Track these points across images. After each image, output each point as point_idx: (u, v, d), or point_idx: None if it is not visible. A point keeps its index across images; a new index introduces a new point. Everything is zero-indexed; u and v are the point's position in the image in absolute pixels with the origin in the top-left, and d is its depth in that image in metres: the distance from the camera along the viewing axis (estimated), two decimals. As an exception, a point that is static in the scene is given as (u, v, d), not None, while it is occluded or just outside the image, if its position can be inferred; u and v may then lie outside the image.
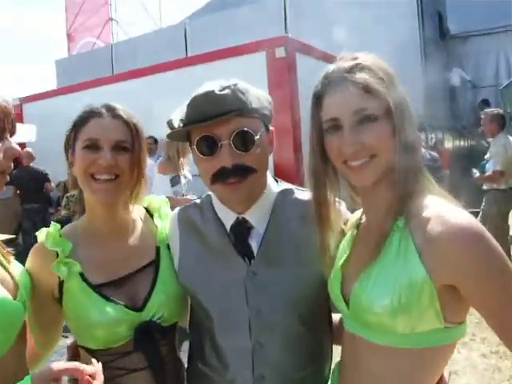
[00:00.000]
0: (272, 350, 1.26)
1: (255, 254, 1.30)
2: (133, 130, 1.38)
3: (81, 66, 12.79)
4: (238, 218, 1.32)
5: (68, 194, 8.58)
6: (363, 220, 1.26)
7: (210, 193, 1.40)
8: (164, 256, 1.43)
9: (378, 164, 1.10)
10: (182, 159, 4.93)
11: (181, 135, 1.31)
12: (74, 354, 1.39)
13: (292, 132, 5.24)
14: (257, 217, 1.32)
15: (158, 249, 1.44)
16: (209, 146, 1.22)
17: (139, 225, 1.49)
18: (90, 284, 1.34)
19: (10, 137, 1.17)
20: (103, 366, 1.13)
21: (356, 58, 1.13)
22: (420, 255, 1.01)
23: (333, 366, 1.34)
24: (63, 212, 7.97)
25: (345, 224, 1.31)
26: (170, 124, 1.30)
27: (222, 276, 1.32)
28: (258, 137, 1.23)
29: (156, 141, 6.53)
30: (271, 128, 1.35)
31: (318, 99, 1.16)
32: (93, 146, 1.33)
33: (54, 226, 1.41)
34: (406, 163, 1.08)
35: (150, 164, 6.63)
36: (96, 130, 1.35)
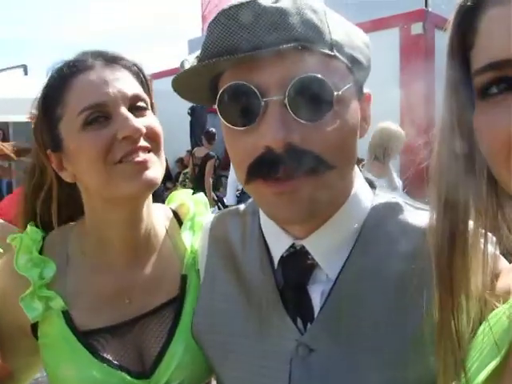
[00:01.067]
0: None
1: (315, 315, 0.77)
2: (143, 79, 0.97)
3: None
4: (293, 245, 0.79)
5: (185, 171, 8.76)
6: None
7: None
8: (192, 289, 0.97)
9: None
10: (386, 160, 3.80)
11: (197, 83, 0.73)
12: None
13: (425, 127, 4.64)
14: (327, 248, 0.77)
15: (183, 278, 0.99)
16: (244, 106, 0.67)
17: (162, 239, 1.03)
18: (75, 329, 0.91)
19: None
20: None
21: None
22: None
23: None
24: (179, 188, 8.15)
25: (491, 285, 0.67)
26: (182, 65, 0.82)
27: (256, 344, 0.81)
28: (339, 93, 0.67)
29: None
30: (366, 91, 0.78)
31: (464, 23, 0.55)
32: (98, 119, 0.87)
33: (33, 233, 0.96)
34: None
35: None
36: (94, 90, 0.88)
